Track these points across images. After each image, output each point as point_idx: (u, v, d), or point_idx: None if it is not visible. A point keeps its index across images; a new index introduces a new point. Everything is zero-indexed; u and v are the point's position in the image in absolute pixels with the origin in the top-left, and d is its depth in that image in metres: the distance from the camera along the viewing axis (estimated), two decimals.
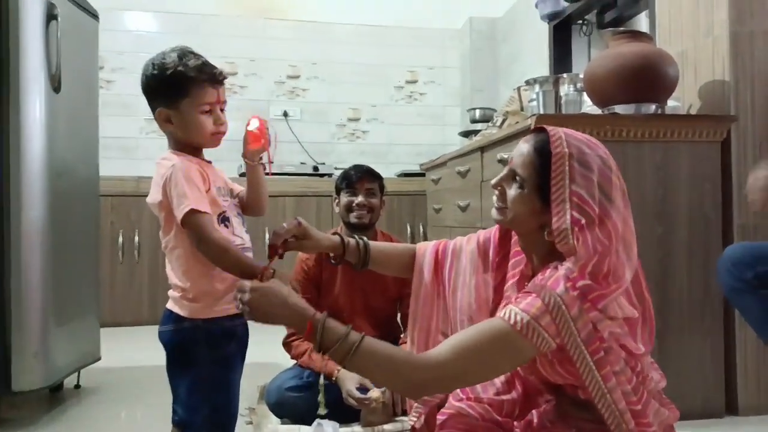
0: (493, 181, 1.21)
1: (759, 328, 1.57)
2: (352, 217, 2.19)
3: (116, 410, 2.19)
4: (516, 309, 1.06)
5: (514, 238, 1.34)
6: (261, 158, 1.40)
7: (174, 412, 1.31)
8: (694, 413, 1.92)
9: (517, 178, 1.16)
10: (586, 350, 1.05)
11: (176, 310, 1.26)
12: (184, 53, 1.27)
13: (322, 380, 1.89)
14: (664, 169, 2.01)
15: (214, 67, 1.28)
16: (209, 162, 1.33)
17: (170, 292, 1.29)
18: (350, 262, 1.40)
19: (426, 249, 1.44)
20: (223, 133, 1.31)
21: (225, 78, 1.31)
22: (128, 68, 4.40)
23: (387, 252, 1.45)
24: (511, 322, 1.05)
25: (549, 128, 1.15)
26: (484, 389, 1.36)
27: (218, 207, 1.27)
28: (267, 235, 3.97)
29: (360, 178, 2.21)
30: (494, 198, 1.22)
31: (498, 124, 2.82)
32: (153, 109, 1.29)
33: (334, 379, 1.96)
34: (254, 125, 1.38)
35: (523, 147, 1.17)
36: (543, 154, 1.12)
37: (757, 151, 2.07)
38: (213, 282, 1.25)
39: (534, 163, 1.13)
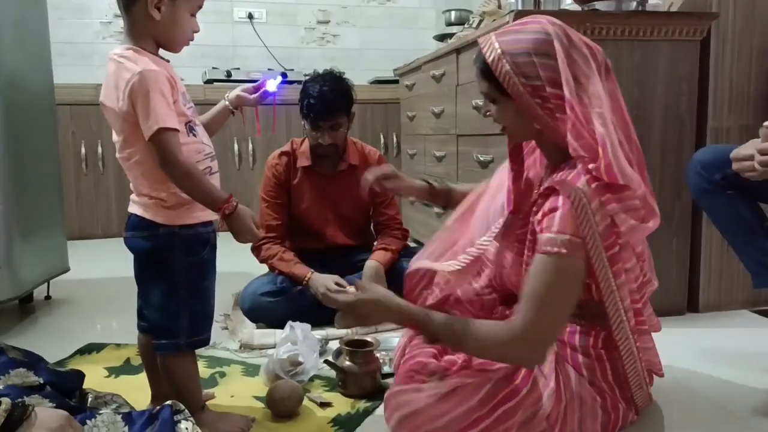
0: (482, 112, 1.28)
1: (724, 228, 1.60)
2: (318, 151, 2.10)
3: (89, 320, 2.18)
4: (551, 236, 1.08)
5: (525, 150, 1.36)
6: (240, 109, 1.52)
7: (141, 318, 1.30)
8: (656, 310, 1.95)
9: (486, 96, 1.21)
10: (602, 244, 1.08)
11: (149, 216, 1.21)
12: None
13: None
14: (642, 70, 1.96)
15: None
16: (168, 62, 1.24)
17: (137, 199, 1.23)
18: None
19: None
20: (192, 40, 1.26)
21: None
22: None
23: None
24: (555, 250, 1.07)
25: (479, 39, 1.18)
26: (464, 292, 1.38)
27: (185, 116, 1.21)
28: (236, 146, 3.88)
29: (323, 118, 2.00)
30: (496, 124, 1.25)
31: (474, 25, 2.71)
32: None
33: (305, 282, 1.97)
34: (274, 86, 1.54)
35: (474, 67, 1.21)
36: (483, 66, 1.16)
37: (736, 50, 2.03)
38: None
39: (482, 76, 1.18)
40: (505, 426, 1.12)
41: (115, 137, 1.22)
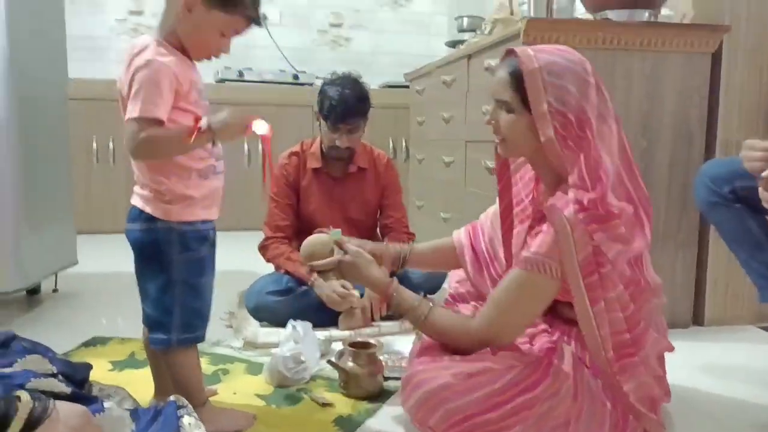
0: (486, 118, 1.28)
1: (731, 241, 1.60)
2: (332, 153, 2.12)
3: (94, 314, 2.20)
4: (529, 254, 1.17)
5: (513, 166, 1.42)
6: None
7: (144, 311, 1.31)
8: None
9: (503, 104, 1.23)
10: (581, 273, 1.12)
11: (148, 209, 1.21)
12: None
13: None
14: (653, 81, 1.96)
15: (258, 8, 1.23)
16: (190, 60, 1.24)
17: (139, 190, 1.24)
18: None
19: (460, 237, 1.57)
20: (216, 57, 1.26)
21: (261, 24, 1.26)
22: None
23: (426, 256, 1.62)
24: (528, 267, 1.17)
25: (517, 49, 1.21)
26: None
27: (201, 109, 1.22)
28: (245, 146, 3.89)
29: (344, 120, 2.03)
30: (493, 133, 1.28)
31: (486, 32, 2.71)
32: None
33: (311, 282, 1.98)
34: (264, 129, 1.24)
35: (498, 73, 1.24)
36: (516, 74, 1.19)
37: (747, 64, 2.02)
38: (188, 189, 1.21)
39: (509, 83, 1.20)
40: (524, 415, 1.13)
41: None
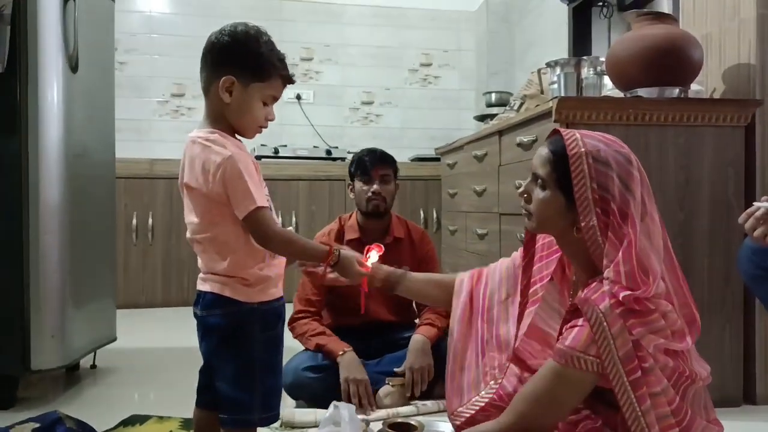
0: (519, 189, 1.27)
1: None
2: (368, 206, 2.17)
3: (131, 390, 2.20)
4: (563, 347, 1.12)
5: (539, 242, 1.39)
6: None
7: (204, 393, 1.31)
8: None
9: (539, 180, 1.22)
10: (623, 369, 1.07)
11: (227, 293, 1.21)
12: (270, 39, 1.26)
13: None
14: (687, 154, 1.98)
15: (286, 65, 1.28)
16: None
17: (211, 276, 1.23)
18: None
19: (463, 279, 1.53)
20: (265, 128, 1.29)
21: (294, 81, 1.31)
22: (141, 50, 4.38)
23: (418, 285, 1.60)
24: (563, 362, 1.11)
25: (563, 130, 1.20)
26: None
27: (264, 189, 1.26)
28: (279, 219, 3.97)
29: (374, 165, 2.18)
30: (522, 205, 1.27)
31: (515, 107, 2.79)
32: (214, 73, 1.21)
33: (338, 356, 1.95)
34: (375, 258, 1.51)
35: (541, 150, 1.23)
36: (560, 154, 1.18)
37: None
38: (263, 271, 1.24)
39: (552, 161, 1.19)
40: None
41: (192, 218, 1.22)
